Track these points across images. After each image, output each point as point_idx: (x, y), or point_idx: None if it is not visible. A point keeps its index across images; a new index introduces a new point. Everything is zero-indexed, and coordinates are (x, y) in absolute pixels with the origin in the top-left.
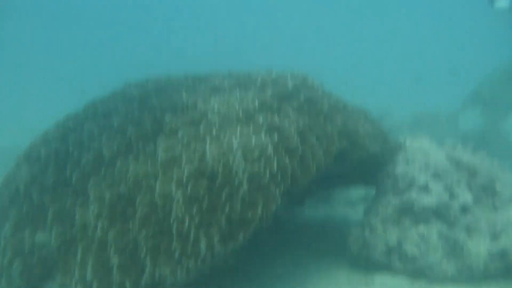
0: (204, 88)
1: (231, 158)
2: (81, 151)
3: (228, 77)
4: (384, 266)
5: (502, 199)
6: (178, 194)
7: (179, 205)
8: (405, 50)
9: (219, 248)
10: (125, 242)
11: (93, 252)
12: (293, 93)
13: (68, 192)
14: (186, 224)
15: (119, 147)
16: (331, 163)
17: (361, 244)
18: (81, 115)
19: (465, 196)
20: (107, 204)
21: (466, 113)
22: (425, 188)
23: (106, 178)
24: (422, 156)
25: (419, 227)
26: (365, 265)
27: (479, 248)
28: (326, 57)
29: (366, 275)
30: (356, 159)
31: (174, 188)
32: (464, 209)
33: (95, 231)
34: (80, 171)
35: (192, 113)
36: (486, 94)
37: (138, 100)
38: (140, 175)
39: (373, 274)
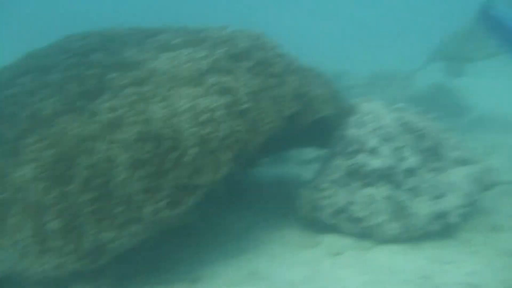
0: (154, 44)
1: (179, 120)
2: (15, 108)
3: (180, 33)
4: (332, 228)
5: (446, 162)
6: (122, 157)
7: (123, 169)
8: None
9: (166, 212)
10: (65, 206)
11: (31, 215)
12: (246, 53)
13: (1, 152)
14: (130, 188)
15: (58, 105)
16: (284, 126)
17: (311, 206)
18: (16, 68)
19: (412, 159)
20: (45, 165)
21: (426, 69)
22: (374, 151)
23: (44, 138)
24: (372, 119)
25: (366, 190)
26: (315, 226)
27: (421, 209)
28: (289, 17)
29: (315, 236)
30: (309, 121)
31: (118, 150)
32: (410, 172)
33: (32, 193)
34: (14, 130)
35: (139, 72)
36: (449, 51)
37: (80, 53)
38: (81, 136)
39: (322, 235)
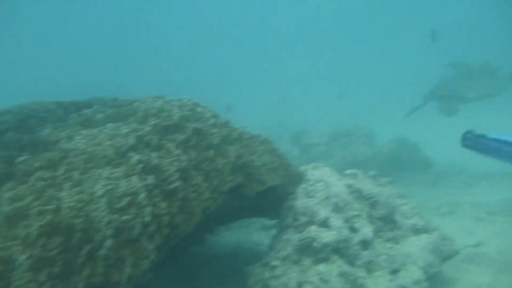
0: (76, 120)
1: (93, 207)
2: None
3: (108, 106)
4: None
5: (401, 230)
6: (23, 256)
7: (23, 272)
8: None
9: None
10: None
11: None
12: (179, 125)
13: None
14: None
15: None
16: (226, 200)
17: (262, 286)
18: None
19: (365, 230)
20: None
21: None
22: (325, 223)
23: None
24: (323, 187)
25: (319, 267)
26: None
27: (379, 286)
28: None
29: None
30: (254, 193)
31: (18, 249)
32: (364, 244)
33: None
34: None
35: (52, 153)
36: (440, 92)
37: None
38: None
39: None
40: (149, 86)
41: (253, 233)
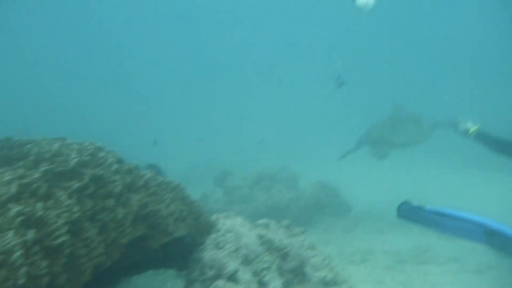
0: None
1: None
2: None
3: None
4: None
5: (310, 284)
6: None
7: None
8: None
9: None
10: None
11: None
12: (76, 171)
13: None
14: None
15: None
16: (127, 253)
17: None
18: None
19: (274, 284)
20: None
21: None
22: (233, 277)
23: None
24: (233, 238)
25: None
26: None
27: None
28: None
29: None
30: (159, 245)
31: None
32: None
33: None
34: None
35: None
36: (373, 136)
37: None
38: None
39: None
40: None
41: (168, 281)
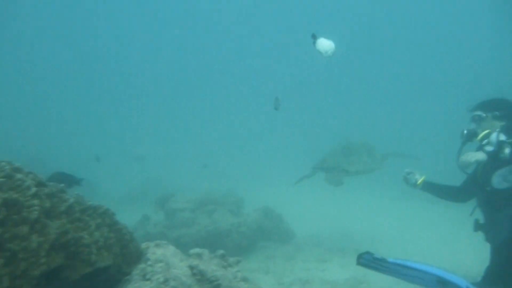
0: None
1: None
2: None
3: None
4: None
5: None
6: None
7: None
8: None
9: None
10: None
11: None
12: None
13: None
14: None
15: None
16: (40, 286)
17: None
18: None
19: None
20: None
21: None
22: None
23: None
24: (162, 269)
25: None
26: None
27: None
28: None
29: None
30: (79, 276)
31: None
32: None
33: None
34: None
35: None
36: (328, 163)
37: None
38: None
39: None
40: None
41: None
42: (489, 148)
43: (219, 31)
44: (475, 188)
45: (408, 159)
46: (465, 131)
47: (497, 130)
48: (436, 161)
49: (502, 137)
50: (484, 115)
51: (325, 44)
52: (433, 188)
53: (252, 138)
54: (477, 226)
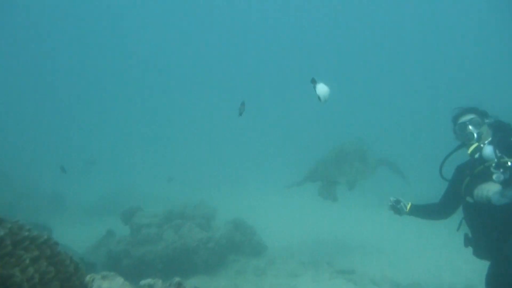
0: None
1: None
2: None
3: None
4: None
5: None
6: None
7: None
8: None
9: None
10: None
11: None
12: None
13: None
14: None
15: None
16: None
17: None
18: None
19: None
20: None
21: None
22: None
23: None
24: None
25: None
26: None
27: None
28: None
29: None
30: None
31: None
32: None
33: None
34: None
35: None
36: (318, 174)
37: None
38: None
39: None
40: None
41: None
42: (501, 177)
43: (183, 34)
44: (460, 201)
45: (397, 175)
46: (476, 133)
47: (489, 143)
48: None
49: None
50: (480, 120)
51: (323, 90)
52: (419, 211)
53: (232, 143)
54: (468, 241)
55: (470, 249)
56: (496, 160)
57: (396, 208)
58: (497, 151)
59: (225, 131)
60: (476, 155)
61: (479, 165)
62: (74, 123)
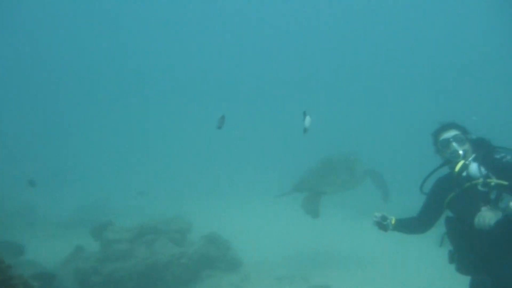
0: None
1: None
2: None
3: None
4: None
5: None
6: None
7: None
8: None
9: None
10: None
11: None
12: None
13: None
14: None
15: None
16: None
17: None
18: None
19: None
20: None
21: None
22: None
23: None
24: None
25: None
26: None
27: None
28: None
29: None
30: None
31: None
32: None
33: None
34: None
35: None
36: (305, 184)
37: None
38: None
39: None
40: None
41: None
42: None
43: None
44: (440, 214)
45: (379, 189)
46: (461, 152)
47: (473, 160)
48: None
49: (483, 170)
50: (463, 136)
51: (308, 122)
52: (402, 226)
53: (214, 152)
54: (452, 258)
55: (451, 265)
56: (482, 179)
57: (382, 224)
58: (482, 169)
59: (205, 140)
60: (464, 174)
61: (465, 181)
62: (43, 132)
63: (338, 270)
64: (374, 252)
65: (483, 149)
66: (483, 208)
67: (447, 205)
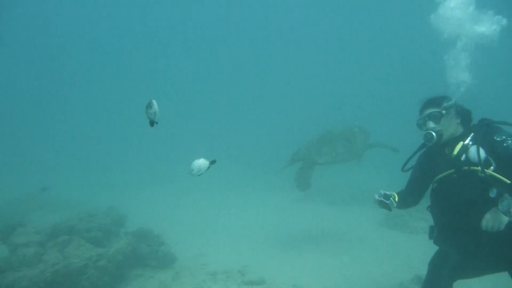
0: None
1: None
2: None
3: None
4: None
5: None
6: None
7: None
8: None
9: None
10: None
11: None
12: None
13: None
14: None
15: None
16: None
17: None
18: None
19: None
20: None
21: None
22: None
23: None
24: None
25: None
26: None
27: None
28: None
29: None
30: None
31: None
32: None
33: None
34: None
35: None
36: (302, 155)
37: None
38: None
39: None
40: None
41: None
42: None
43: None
44: (428, 186)
45: (387, 149)
46: (434, 134)
47: (471, 143)
48: None
49: (483, 154)
50: (443, 111)
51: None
52: (401, 202)
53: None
54: (432, 233)
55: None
56: (481, 168)
57: (385, 203)
58: (481, 152)
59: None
60: (463, 158)
61: (463, 165)
62: None
63: (278, 262)
64: (317, 241)
65: (482, 128)
66: (487, 215)
67: (439, 180)
